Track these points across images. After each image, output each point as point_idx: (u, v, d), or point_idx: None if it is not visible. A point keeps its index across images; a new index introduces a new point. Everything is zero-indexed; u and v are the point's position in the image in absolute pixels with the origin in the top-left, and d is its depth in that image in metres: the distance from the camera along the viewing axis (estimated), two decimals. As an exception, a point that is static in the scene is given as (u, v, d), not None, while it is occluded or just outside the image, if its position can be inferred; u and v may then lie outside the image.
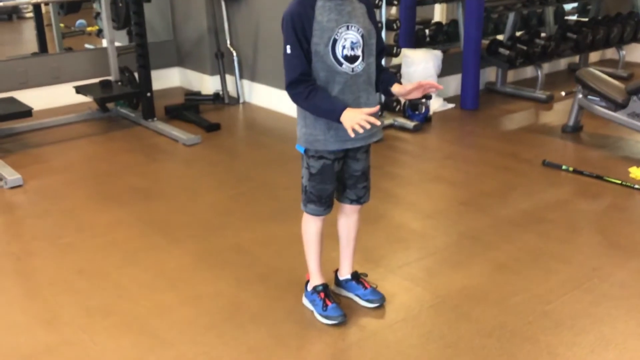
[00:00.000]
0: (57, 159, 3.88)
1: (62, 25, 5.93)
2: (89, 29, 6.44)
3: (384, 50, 2.21)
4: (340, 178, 2.18)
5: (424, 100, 4.34)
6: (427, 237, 2.86)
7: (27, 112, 3.98)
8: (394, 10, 4.59)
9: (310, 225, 2.22)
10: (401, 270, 2.56)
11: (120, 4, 4.54)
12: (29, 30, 6.69)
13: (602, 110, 3.93)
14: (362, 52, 2.00)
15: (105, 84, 4.51)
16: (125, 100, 4.65)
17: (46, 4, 5.69)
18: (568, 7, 6.21)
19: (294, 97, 2.01)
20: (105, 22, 4.60)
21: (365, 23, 2.01)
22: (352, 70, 1.99)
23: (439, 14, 5.87)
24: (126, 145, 4.12)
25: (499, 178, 3.50)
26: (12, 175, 3.46)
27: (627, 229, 2.91)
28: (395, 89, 2.11)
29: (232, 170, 3.72)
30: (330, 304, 2.23)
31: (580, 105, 4.09)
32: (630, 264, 2.59)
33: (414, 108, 4.35)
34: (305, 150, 2.12)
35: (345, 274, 2.37)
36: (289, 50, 1.95)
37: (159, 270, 2.61)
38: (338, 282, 2.39)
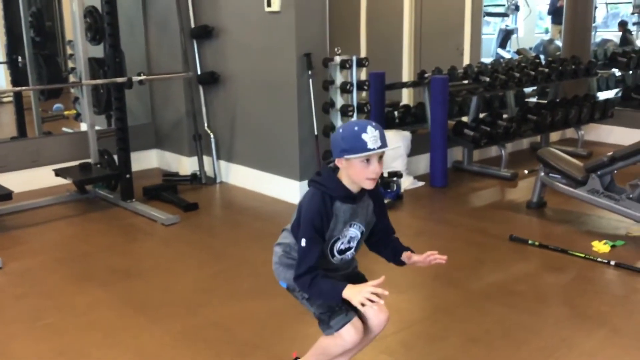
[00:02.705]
0: (37, 240, 3.92)
1: (40, 109, 6.06)
2: (66, 112, 6.57)
3: (389, 231, 2.15)
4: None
5: (395, 178, 4.52)
6: (403, 311, 2.95)
7: (7, 195, 4.04)
8: (364, 94, 4.84)
9: (340, 341, 2.02)
10: (378, 344, 2.63)
11: (102, 90, 4.72)
12: (5, 114, 6.80)
13: (563, 187, 4.15)
14: (357, 244, 2.03)
15: (84, 167, 4.61)
16: (103, 182, 4.74)
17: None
18: (528, 90, 6.57)
19: (299, 285, 1.98)
20: (86, 107, 4.75)
21: (367, 217, 2.03)
22: (341, 260, 2.03)
23: (406, 97, 6.18)
24: (105, 226, 4.18)
25: (469, 253, 3.63)
26: (-9, 258, 3.49)
27: (592, 300, 3.04)
28: (404, 257, 2.10)
29: (211, 248, 3.80)
30: None
31: (543, 183, 4.30)
32: (596, 333, 2.71)
33: (386, 186, 4.52)
34: (288, 286, 2.11)
35: None
36: (303, 244, 1.92)
37: (140, 350, 2.63)
38: None
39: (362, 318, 2.05)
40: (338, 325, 1.99)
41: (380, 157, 1.90)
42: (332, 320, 2.00)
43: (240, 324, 2.84)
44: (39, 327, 2.84)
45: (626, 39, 7.73)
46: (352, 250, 2.04)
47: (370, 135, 1.85)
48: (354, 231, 1.99)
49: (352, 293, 1.85)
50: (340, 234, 1.97)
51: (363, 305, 1.82)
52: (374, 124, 1.89)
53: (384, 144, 1.87)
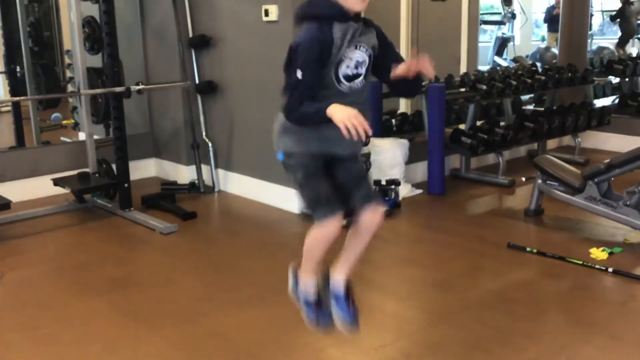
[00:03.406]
0: (35, 250, 3.92)
1: (38, 119, 6.07)
2: (64, 122, 6.58)
3: (399, 61, 2.13)
4: (340, 188, 2.11)
5: (393, 186, 4.53)
6: (402, 319, 2.95)
7: (5, 205, 4.04)
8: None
9: (322, 231, 2.06)
10: (378, 353, 2.63)
11: (100, 100, 4.73)
12: (3, 124, 6.79)
13: (560, 194, 4.15)
14: (366, 70, 2.03)
15: (82, 176, 4.61)
16: (102, 191, 4.74)
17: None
18: (525, 97, 6.59)
19: (289, 115, 2.03)
20: (84, 117, 4.76)
21: (371, 41, 2.04)
22: (350, 89, 2.01)
23: (403, 105, 6.19)
24: (103, 236, 4.18)
25: (468, 260, 3.64)
26: (-11, 268, 3.49)
27: (590, 307, 3.05)
28: (399, 71, 2.07)
29: (209, 257, 3.80)
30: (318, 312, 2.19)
31: (540, 190, 4.31)
32: (595, 340, 2.71)
33: (384, 194, 4.52)
34: (285, 159, 2.13)
35: (338, 277, 2.20)
36: (299, 75, 1.92)
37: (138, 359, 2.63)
38: (326, 282, 2.23)
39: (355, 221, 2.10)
40: (322, 214, 2.03)
41: None
42: (318, 210, 2.04)
43: (239, 332, 2.83)
44: (37, 337, 2.83)
45: (624, 11, 7.74)
46: (362, 78, 2.03)
47: None
48: (361, 54, 1.99)
49: (338, 109, 1.87)
50: (345, 55, 1.96)
51: (345, 126, 1.83)
52: None
53: None
